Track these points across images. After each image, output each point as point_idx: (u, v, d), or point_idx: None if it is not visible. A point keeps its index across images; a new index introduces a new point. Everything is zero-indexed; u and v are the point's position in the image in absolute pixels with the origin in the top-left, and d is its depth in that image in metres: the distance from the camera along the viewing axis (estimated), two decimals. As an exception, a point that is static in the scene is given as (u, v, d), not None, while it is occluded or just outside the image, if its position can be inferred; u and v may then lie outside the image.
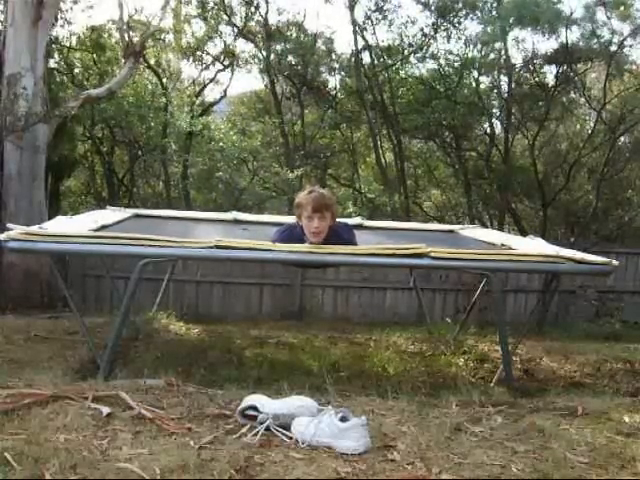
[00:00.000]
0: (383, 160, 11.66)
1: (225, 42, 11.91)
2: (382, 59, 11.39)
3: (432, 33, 10.99)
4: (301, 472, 1.83)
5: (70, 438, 2.00)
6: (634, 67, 10.89)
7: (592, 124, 11.05)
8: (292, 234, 3.40)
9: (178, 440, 2.04)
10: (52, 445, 1.93)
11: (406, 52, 11.24)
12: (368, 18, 11.15)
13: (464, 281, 7.76)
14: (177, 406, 2.38)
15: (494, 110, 11.33)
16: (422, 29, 11.03)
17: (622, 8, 9.82)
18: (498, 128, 11.58)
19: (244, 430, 2.12)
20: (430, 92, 10.80)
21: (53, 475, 1.74)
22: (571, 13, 9.82)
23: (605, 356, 4.75)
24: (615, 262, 3.50)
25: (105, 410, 2.24)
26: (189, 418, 2.25)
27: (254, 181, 11.07)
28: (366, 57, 11.39)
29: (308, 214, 3.16)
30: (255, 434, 2.07)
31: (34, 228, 3.39)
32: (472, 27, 11.17)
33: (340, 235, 3.43)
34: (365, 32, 11.25)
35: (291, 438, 2.07)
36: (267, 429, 2.11)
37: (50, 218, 4.63)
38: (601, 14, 9.97)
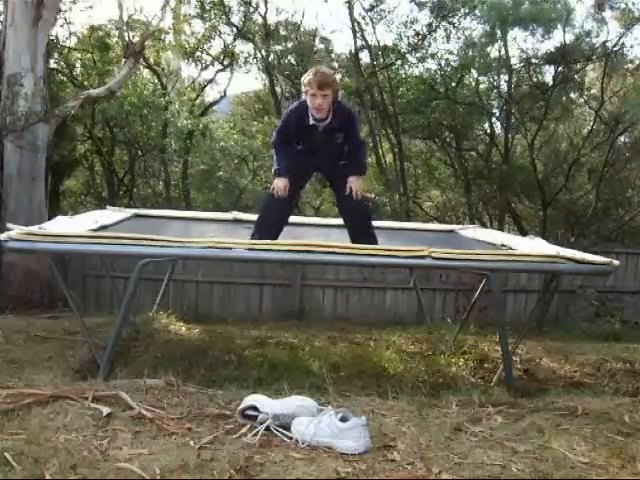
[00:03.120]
0: (383, 160, 11.66)
1: (224, 42, 11.93)
2: (383, 59, 11.38)
3: (432, 33, 10.98)
4: (301, 472, 1.83)
5: (70, 438, 2.00)
6: (631, 66, 10.87)
7: (592, 124, 11.04)
8: (300, 111, 3.72)
9: (178, 440, 2.04)
10: (52, 445, 1.94)
11: (405, 52, 11.23)
12: (367, 12, 11.13)
13: (464, 281, 7.75)
14: (177, 406, 2.38)
15: (494, 110, 11.33)
16: (422, 29, 11.04)
17: (620, 8, 9.83)
18: (498, 128, 11.60)
19: (244, 430, 2.12)
20: (430, 92, 10.80)
21: (53, 475, 1.74)
22: (568, 13, 9.81)
23: (605, 356, 4.75)
24: (615, 262, 3.49)
25: (105, 410, 2.24)
26: (189, 418, 2.25)
27: (254, 181, 11.06)
28: (366, 57, 11.41)
29: (313, 92, 3.52)
30: (255, 434, 2.07)
31: (34, 228, 3.39)
32: (472, 27, 11.19)
33: (340, 119, 3.72)
34: (364, 32, 11.28)
35: (291, 438, 2.07)
36: (267, 429, 2.11)
37: (50, 218, 4.62)
38: (600, 14, 9.99)
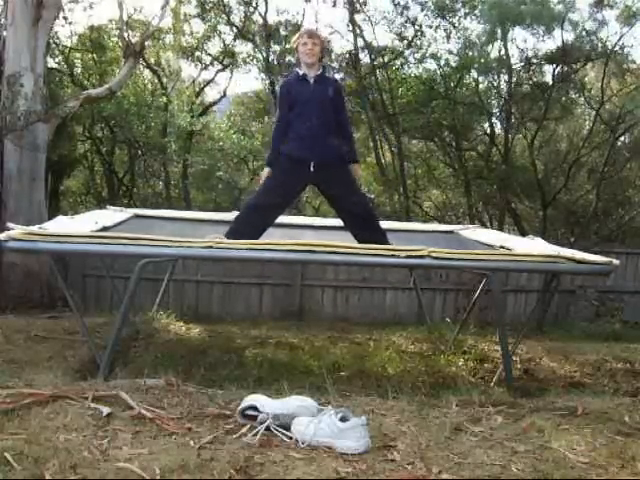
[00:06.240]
0: (383, 160, 11.65)
1: (224, 42, 11.93)
2: (382, 59, 11.37)
3: (432, 33, 10.99)
4: (301, 472, 1.83)
5: (70, 438, 2.00)
6: (634, 66, 10.87)
7: (592, 123, 11.03)
8: (291, 75, 4.15)
9: (178, 440, 2.04)
10: (52, 445, 1.93)
11: (406, 52, 11.21)
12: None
13: (464, 281, 7.75)
14: (177, 406, 2.38)
15: (494, 110, 11.32)
16: (422, 29, 11.02)
17: (621, 7, 9.83)
18: (498, 128, 11.59)
19: (244, 430, 2.12)
20: (430, 92, 10.79)
21: (53, 475, 1.74)
22: (568, 13, 9.81)
23: (605, 356, 4.76)
24: (615, 262, 3.49)
25: (105, 410, 2.24)
26: (189, 418, 2.25)
27: (254, 181, 11.06)
28: (365, 57, 11.39)
29: (304, 40, 3.94)
30: (255, 434, 2.07)
31: (34, 228, 3.39)
32: (472, 27, 11.20)
33: (327, 78, 4.11)
34: (364, 32, 11.27)
35: (291, 438, 2.07)
36: (267, 429, 2.11)
37: (50, 218, 4.62)
38: (599, 13, 10.00)
